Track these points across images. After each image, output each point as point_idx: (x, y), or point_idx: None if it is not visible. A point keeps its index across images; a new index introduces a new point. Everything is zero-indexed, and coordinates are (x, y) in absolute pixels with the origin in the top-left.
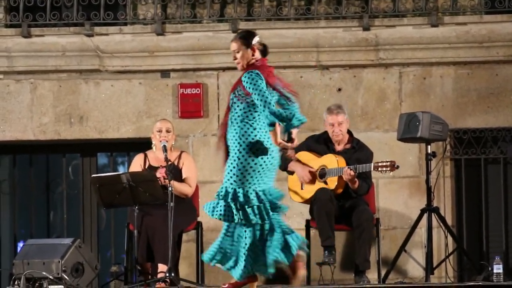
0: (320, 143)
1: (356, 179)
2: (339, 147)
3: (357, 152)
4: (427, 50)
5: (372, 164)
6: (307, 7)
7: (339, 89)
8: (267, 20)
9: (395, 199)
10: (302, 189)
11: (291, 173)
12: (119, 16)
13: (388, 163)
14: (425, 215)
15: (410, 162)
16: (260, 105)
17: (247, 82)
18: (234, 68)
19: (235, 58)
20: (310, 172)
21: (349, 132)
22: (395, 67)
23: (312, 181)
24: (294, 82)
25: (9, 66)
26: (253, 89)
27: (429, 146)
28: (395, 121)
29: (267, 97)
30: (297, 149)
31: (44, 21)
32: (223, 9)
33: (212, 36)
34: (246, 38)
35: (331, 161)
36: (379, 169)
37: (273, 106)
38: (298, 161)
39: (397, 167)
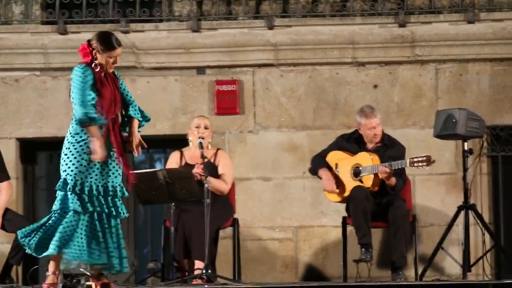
0: (351, 142)
1: (392, 176)
2: (370, 145)
3: (389, 149)
4: (463, 46)
5: (408, 160)
6: (343, 3)
7: (375, 86)
8: (303, 16)
9: (432, 196)
10: (337, 188)
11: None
12: (154, 13)
13: (424, 158)
14: (462, 212)
15: (447, 159)
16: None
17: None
18: (270, 65)
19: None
20: (335, 179)
21: None
22: (431, 63)
23: (341, 191)
24: (330, 79)
25: (45, 63)
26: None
27: (465, 143)
28: (431, 118)
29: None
30: (328, 149)
31: (80, 18)
32: (258, 5)
33: (247, 32)
34: None
35: (365, 159)
36: (415, 164)
37: None
38: (326, 165)
39: (433, 161)
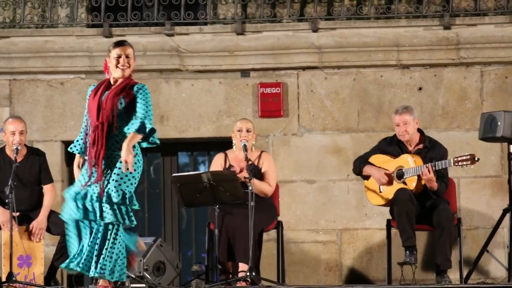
0: (393, 145)
1: (434, 181)
2: (411, 148)
3: (430, 151)
4: (509, 49)
5: (452, 159)
6: (388, 6)
7: (420, 88)
8: (347, 19)
9: (477, 198)
10: (380, 191)
11: (367, 177)
12: (199, 16)
13: (468, 157)
14: (508, 215)
15: (492, 161)
16: (144, 117)
17: (145, 94)
18: (314, 68)
19: (127, 63)
20: (386, 174)
21: (420, 131)
22: (476, 66)
23: (389, 183)
24: (374, 81)
25: (90, 66)
26: (146, 101)
27: (511, 146)
28: (476, 120)
29: (151, 113)
30: (370, 152)
31: (125, 21)
32: (303, 8)
33: (292, 35)
34: None
35: (407, 161)
36: (459, 163)
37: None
38: (369, 163)
39: (478, 159)
